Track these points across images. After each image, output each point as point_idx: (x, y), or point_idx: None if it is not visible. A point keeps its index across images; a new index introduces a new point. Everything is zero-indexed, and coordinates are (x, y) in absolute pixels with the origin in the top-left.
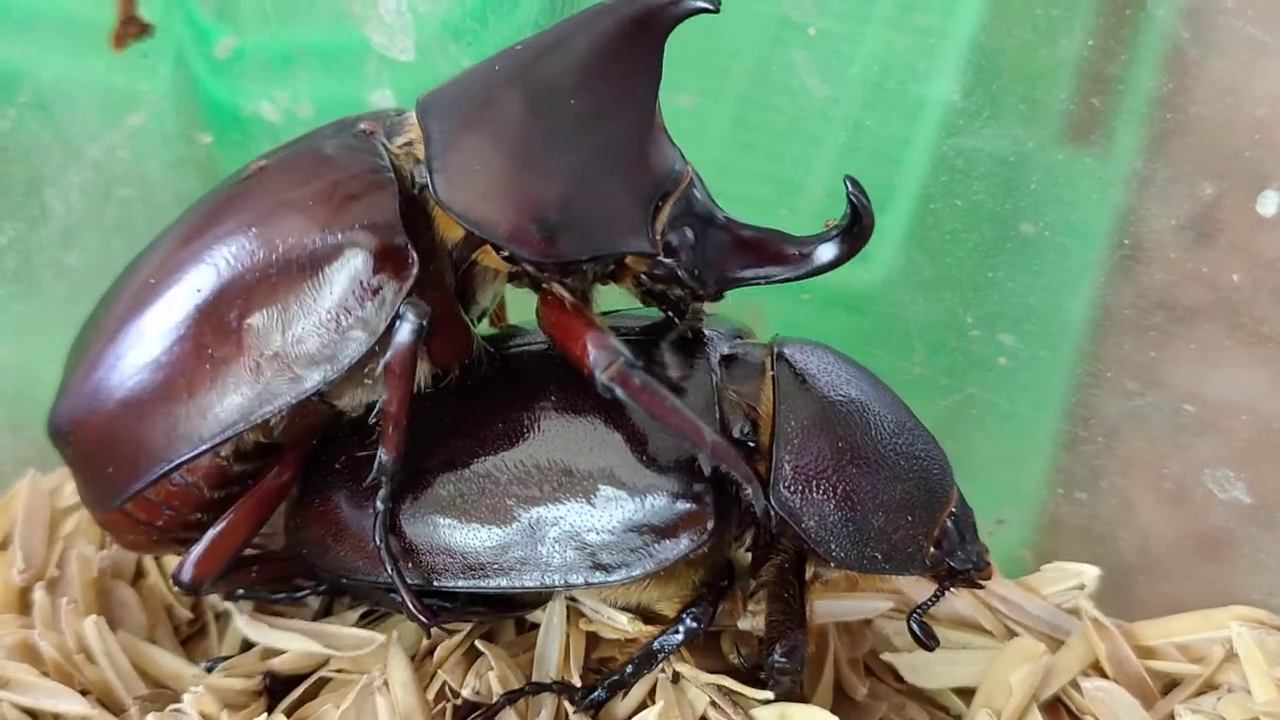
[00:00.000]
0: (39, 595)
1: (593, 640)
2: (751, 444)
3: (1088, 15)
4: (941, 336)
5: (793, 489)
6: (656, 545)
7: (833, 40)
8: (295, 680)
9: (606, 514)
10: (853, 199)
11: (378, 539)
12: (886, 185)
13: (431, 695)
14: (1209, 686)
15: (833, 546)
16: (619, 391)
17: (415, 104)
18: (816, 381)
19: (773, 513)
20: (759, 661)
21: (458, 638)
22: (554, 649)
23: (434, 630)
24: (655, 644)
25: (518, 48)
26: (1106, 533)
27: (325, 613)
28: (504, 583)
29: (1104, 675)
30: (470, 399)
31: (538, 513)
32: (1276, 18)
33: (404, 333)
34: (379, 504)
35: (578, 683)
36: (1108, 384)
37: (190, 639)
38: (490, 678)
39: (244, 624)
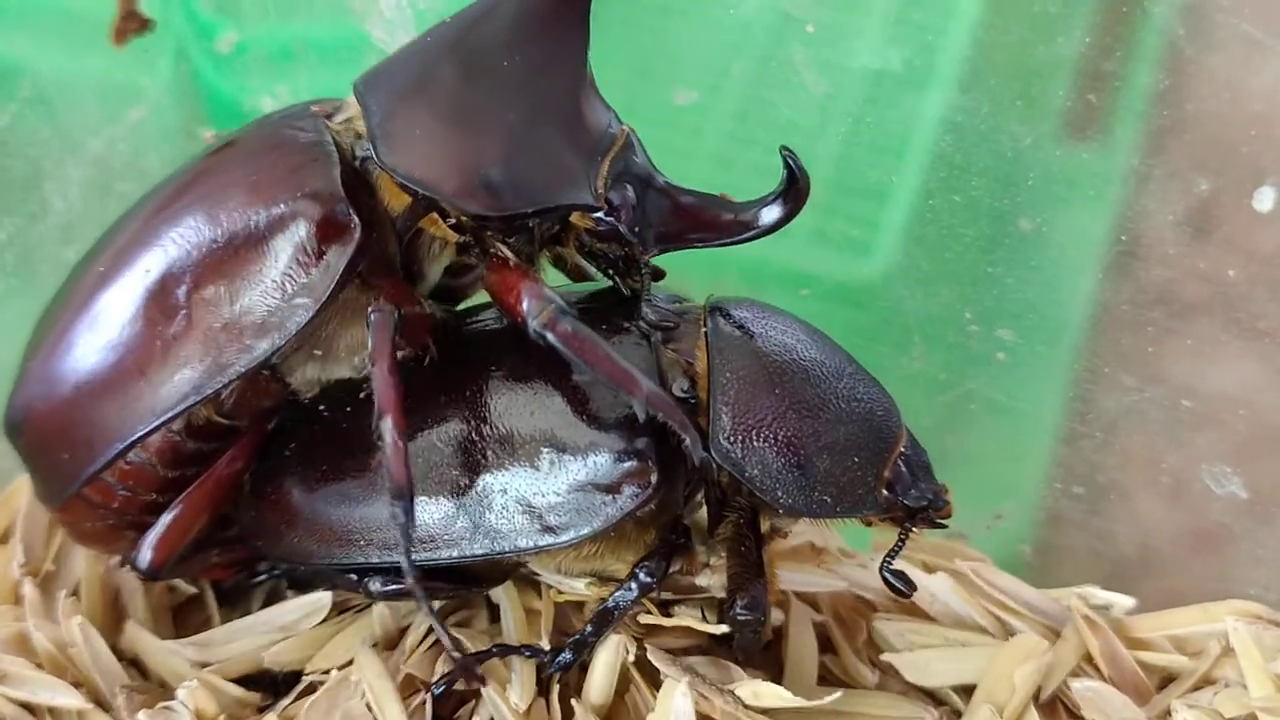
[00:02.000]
0: (29, 589)
1: (562, 613)
2: (692, 400)
3: (1085, 12)
4: (940, 332)
5: (732, 439)
6: (601, 503)
7: (832, 37)
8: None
9: (550, 476)
10: (789, 163)
11: (404, 562)
12: (885, 181)
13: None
14: (1205, 681)
15: (779, 493)
16: (550, 337)
17: (353, 83)
18: (749, 333)
19: (714, 464)
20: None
21: (424, 627)
22: (510, 619)
23: (399, 616)
24: (610, 602)
25: (448, 20)
26: (1104, 527)
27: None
28: (454, 553)
29: (1099, 670)
30: (417, 375)
31: (483, 481)
32: (1272, 15)
33: (376, 327)
34: (400, 514)
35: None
36: (1105, 379)
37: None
38: None
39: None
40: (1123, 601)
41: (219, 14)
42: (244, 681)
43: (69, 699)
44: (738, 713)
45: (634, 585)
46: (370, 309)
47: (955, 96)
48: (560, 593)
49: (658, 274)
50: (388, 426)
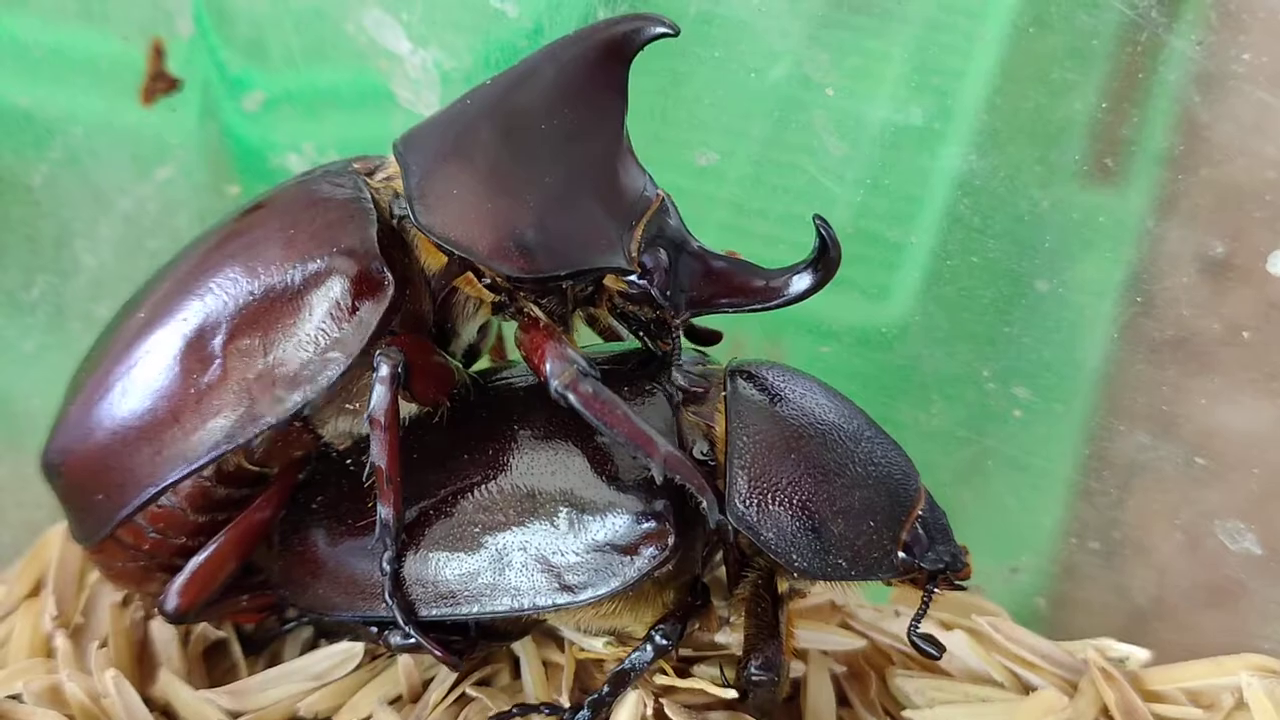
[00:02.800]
0: (61, 641)
1: (584, 670)
2: (711, 462)
3: (1100, 77)
4: (958, 389)
5: (747, 502)
6: (620, 563)
7: (850, 100)
8: None
9: (570, 535)
10: (821, 232)
11: (388, 598)
12: (904, 241)
13: None
14: None
15: (794, 557)
16: (572, 398)
17: (393, 143)
18: (768, 396)
19: (730, 527)
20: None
21: (449, 682)
22: (530, 675)
23: (420, 671)
24: (627, 663)
25: (488, 83)
26: (1119, 581)
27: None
28: (475, 609)
29: None
30: (439, 432)
31: (504, 538)
32: None
33: (380, 382)
34: (385, 565)
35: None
36: (1120, 436)
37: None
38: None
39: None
40: (1138, 654)
41: (246, 70)
42: None
43: None
44: None
45: (650, 647)
46: (377, 352)
47: (972, 159)
48: (581, 649)
49: (713, 337)
50: (380, 468)
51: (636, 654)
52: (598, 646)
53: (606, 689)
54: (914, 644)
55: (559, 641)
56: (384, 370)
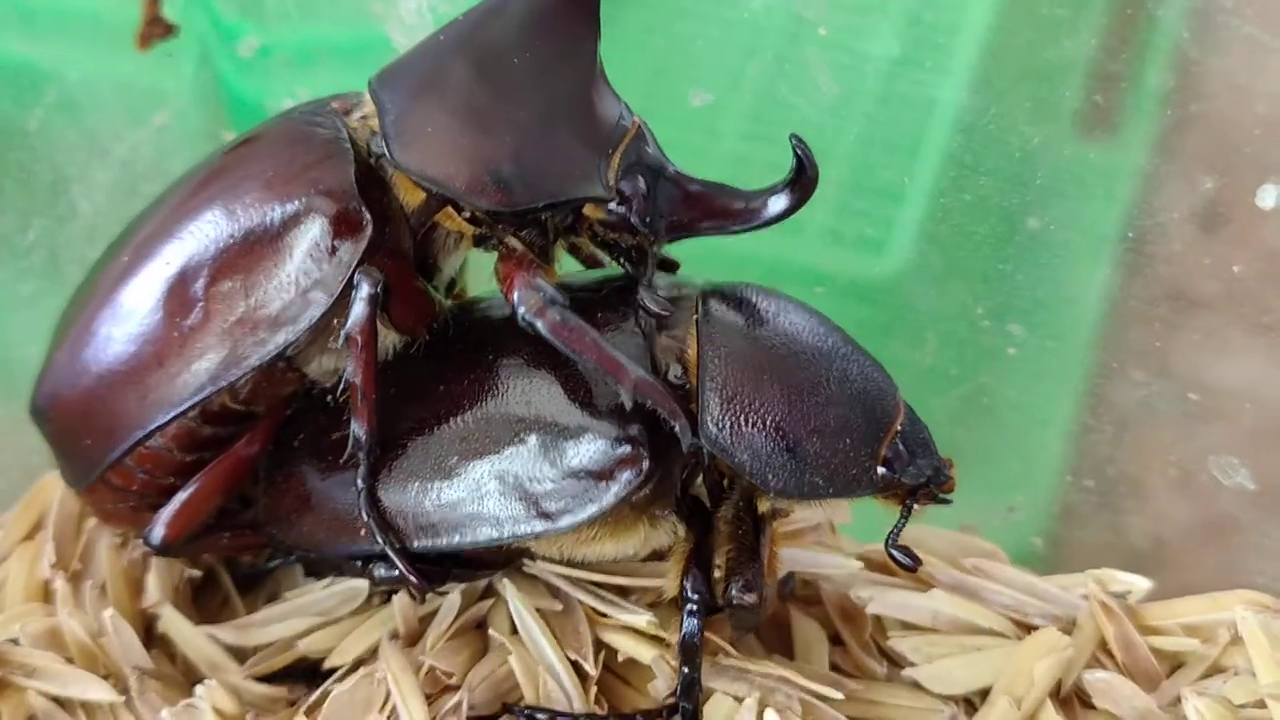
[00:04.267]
0: (60, 584)
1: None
2: (685, 386)
3: (1093, 16)
4: (952, 328)
5: (720, 424)
6: (596, 489)
7: (845, 39)
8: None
9: (546, 463)
10: (797, 152)
11: (365, 514)
12: (898, 180)
13: (421, 678)
14: (1215, 670)
15: (769, 477)
16: (539, 325)
17: (368, 81)
18: (740, 317)
19: (703, 450)
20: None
21: (446, 621)
22: (531, 627)
23: (415, 610)
24: (685, 636)
25: (460, 18)
26: (1115, 519)
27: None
28: (457, 539)
29: (1112, 657)
30: (416, 364)
31: (482, 468)
32: (1275, 17)
33: (360, 300)
34: (360, 481)
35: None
36: (1115, 374)
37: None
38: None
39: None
40: (1140, 583)
41: (242, 18)
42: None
43: (100, 692)
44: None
45: (692, 609)
46: (359, 271)
47: (965, 97)
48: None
49: (671, 265)
50: (356, 385)
51: (687, 624)
52: (641, 624)
53: (686, 669)
54: (891, 555)
55: (550, 588)
56: (364, 289)
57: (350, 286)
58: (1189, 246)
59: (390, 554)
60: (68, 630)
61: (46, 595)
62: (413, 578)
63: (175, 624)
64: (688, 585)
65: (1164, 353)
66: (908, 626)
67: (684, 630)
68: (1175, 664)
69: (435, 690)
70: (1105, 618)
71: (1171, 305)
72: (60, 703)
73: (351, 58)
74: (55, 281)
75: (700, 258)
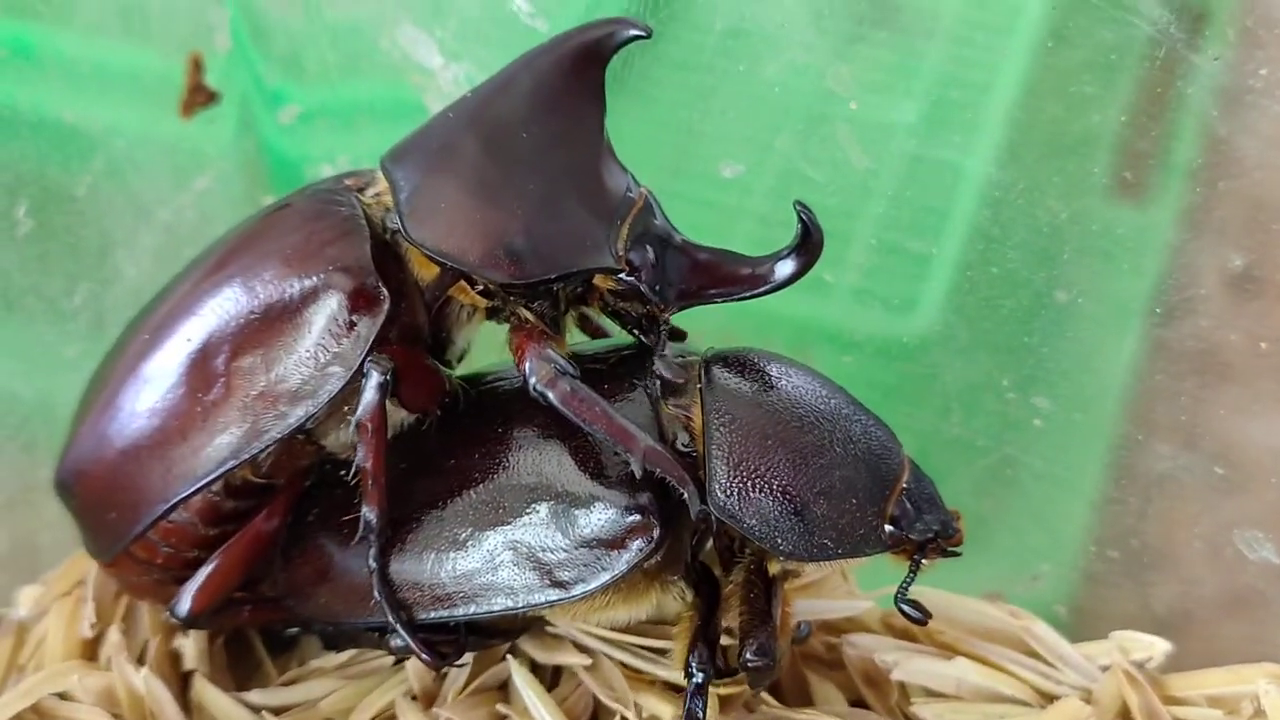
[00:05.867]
0: (114, 637)
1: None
2: (692, 454)
3: (1120, 93)
4: (979, 399)
5: (728, 491)
6: (609, 557)
7: (874, 112)
8: None
9: (558, 532)
10: (802, 218)
11: (377, 594)
12: (925, 252)
13: None
14: None
15: (779, 541)
16: (550, 396)
17: (380, 159)
18: (743, 383)
19: (712, 517)
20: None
21: (460, 681)
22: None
23: (430, 672)
24: (688, 712)
25: (469, 95)
26: (1139, 590)
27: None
28: (472, 610)
29: None
30: (427, 438)
31: (494, 538)
32: None
33: (370, 389)
34: (371, 561)
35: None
36: (1141, 446)
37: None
38: None
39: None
40: (1160, 645)
41: (283, 82)
42: None
43: None
44: None
45: (698, 682)
46: (369, 360)
47: (994, 172)
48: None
49: (678, 334)
50: (366, 470)
51: (690, 703)
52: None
53: None
54: (901, 610)
55: (574, 644)
56: (374, 378)
57: (364, 368)
58: (1216, 320)
59: (401, 633)
60: (120, 685)
61: (84, 652)
62: (424, 656)
63: (207, 692)
64: (693, 662)
65: (1190, 425)
66: (931, 693)
67: (688, 706)
68: None
69: None
70: (1129, 686)
71: (1198, 379)
72: None
73: (390, 123)
74: (100, 344)
75: (727, 321)
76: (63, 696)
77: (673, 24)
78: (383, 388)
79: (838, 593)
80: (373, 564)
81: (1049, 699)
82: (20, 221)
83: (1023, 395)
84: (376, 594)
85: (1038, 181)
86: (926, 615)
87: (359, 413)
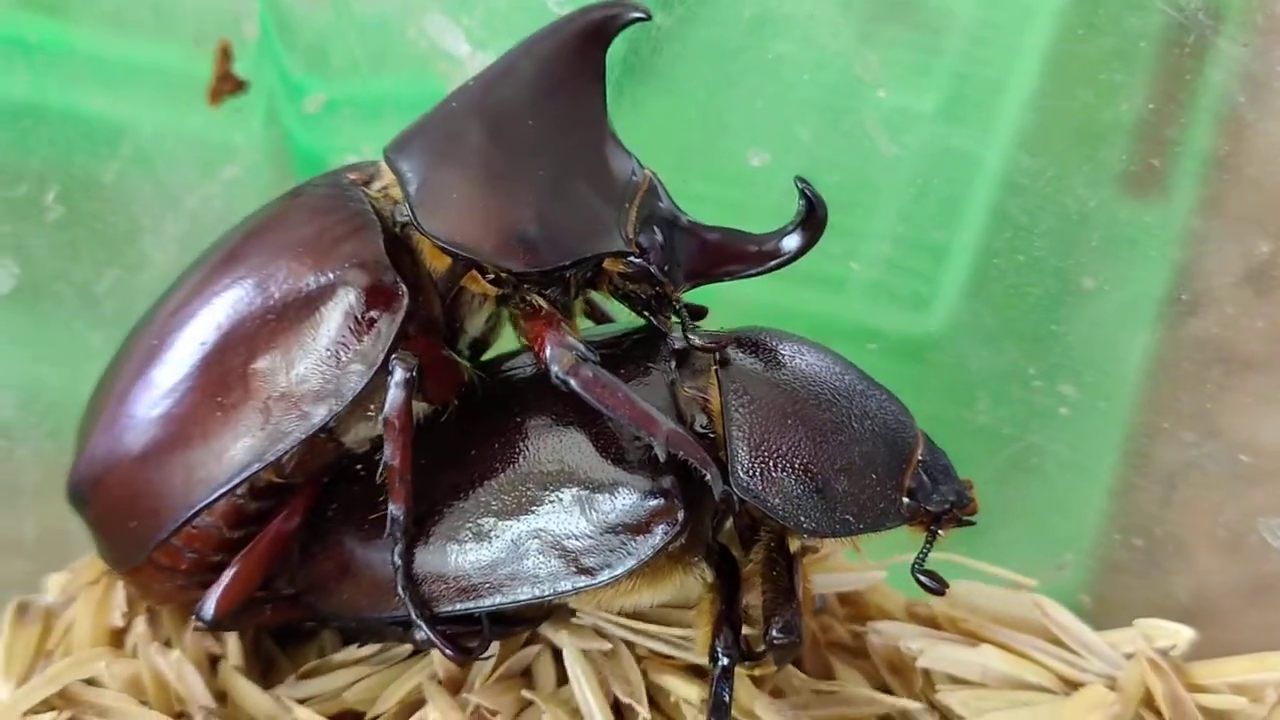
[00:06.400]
0: (140, 628)
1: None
2: (711, 435)
3: (1147, 80)
4: (1005, 387)
5: (750, 471)
6: (633, 541)
7: (901, 101)
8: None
9: (582, 519)
10: (806, 193)
11: (401, 590)
12: (951, 239)
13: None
14: None
15: (802, 519)
16: (573, 383)
17: (383, 151)
18: (757, 363)
19: (735, 497)
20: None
21: (486, 669)
22: (579, 674)
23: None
24: (714, 698)
25: (470, 83)
26: (1163, 578)
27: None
28: (498, 600)
29: (1159, 715)
30: (447, 429)
31: (518, 527)
32: None
33: (396, 386)
34: (396, 558)
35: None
36: (1164, 434)
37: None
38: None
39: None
40: (1185, 632)
41: (309, 74)
42: None
43: None
44: None
45: (724, 665)
46: (393, 357)
47: (1021, 159)
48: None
49: (698, 312)
50: (394, 467)
51: (717, 687)
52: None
53: None
54: (919, 581)
55: (596, 630)
56: (399, 374)
57: (388, 362)
58: (1242, 309)
59: (425, 629)
60: (147, 672)
61: (112, 640)
62: (448, 651)
63: (236, 682)
64: (718, 647)
65: (1215, 414)
66: (955, 680)
67: (713, 694)
68: None
69: None
70: (1153, 674)
71: (1223, 367)
72: None
73: (416, 113)
74: (125, 330)
75: (747, 313)
76: (90, 683)
77: (702, 10)
78: (409, 384)
79: (849, 565)
80: (397, 560)
81: (1073, 686)
82: (49, 207)
83: (1049, 383)
84: (400, 591)
85: (1065, 169)
86: (944, 585)
87: (385, 410)
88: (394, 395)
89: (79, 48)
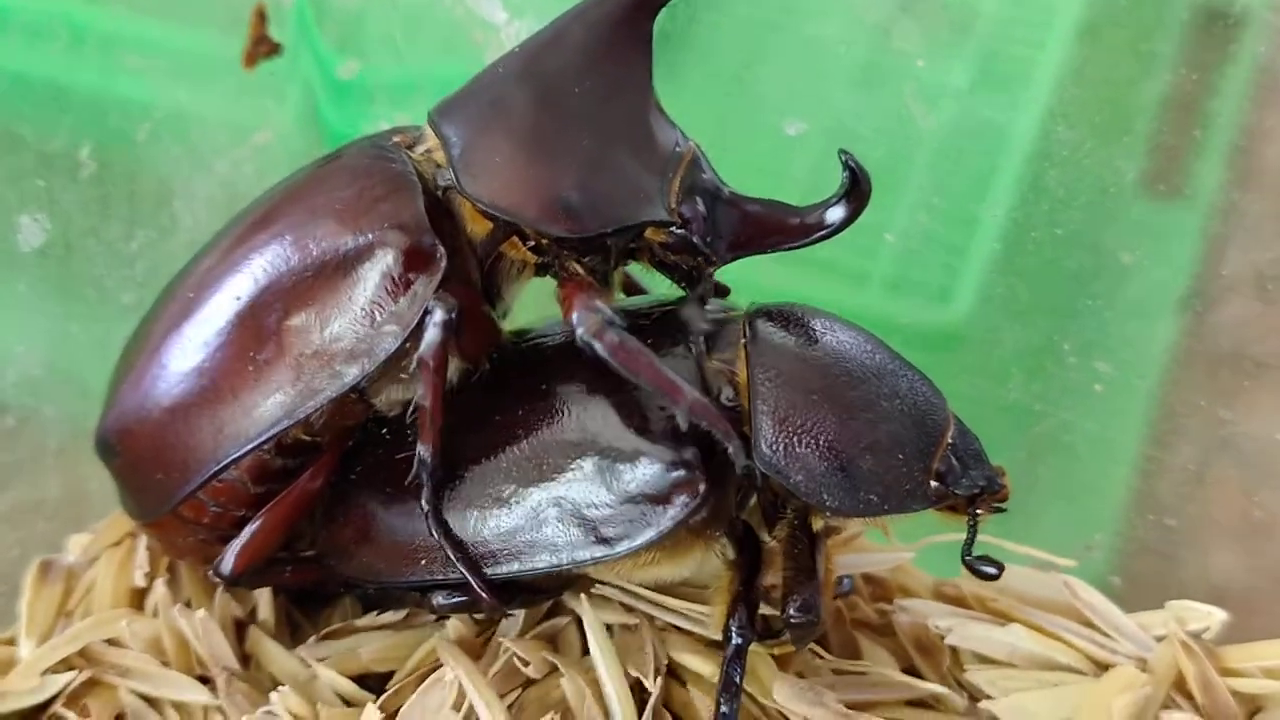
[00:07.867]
0: (160, 589)
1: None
2: (737, 409)
3: (1189, 50)
4: (1038, 362)
5: (774, 446)
6: (654, 513)
7: (938, 73)
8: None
9: (603, 488)
10: (849, 165)
11: (433, 533)
12: (986, 214)
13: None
14: None
15: (825, 497)
16: (597, 347)
17: (427, 114)
18: (787, 337)
19: (757, 472)
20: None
21: (513, 632)
22: (598, 646)
23: (470, 630)
24: (725, 675)
25: (518, 49)
26: (1196, 559)
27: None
28: (516, 566)
29: (1190, 698)
30: (470, 394)
31: (539, 495)
32: None
33: (434, 326)
34: (425, 504)
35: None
36: (1200, 412)
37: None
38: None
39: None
40: (1217, 614)
41: (343, 40)
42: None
43: (194, 694)
44: None
45: (738, 645)
46: (433, 298)
47: (1061, 132)
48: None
49: (722, 290)
50: (425, 408)
51: (729, 666)
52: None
53: (725, 709)
54: (971, 568)
55: (621, 605)
56: (438, 314)
57: (424, 319)
58: None
59: (464, 571)
60: (168, 632)
61: (133, 600)
62: (485, 595)
63: (263, 643)
64: (733, 625)
65: (1251, 393)
66: (983, 659)
67: (725, 671)
68: (1254, 707)
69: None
70: (1185, 656)
71: (1261, 346)
72: (150, 701)
73: (451, 81)
74: (155, 291)
75: (768, 296)
76: (111, 643)
77: None
78: (447, 325)
79: (877, 546)
80: (426, 505)
81: (1103, 668)
82: (84, 163)
83: (1083, 359)
84: (433, 534)
85: (1104, 140)
86: (999, 568)
87: (421, 349)
88: (431, 335)
89: (118, 12)
